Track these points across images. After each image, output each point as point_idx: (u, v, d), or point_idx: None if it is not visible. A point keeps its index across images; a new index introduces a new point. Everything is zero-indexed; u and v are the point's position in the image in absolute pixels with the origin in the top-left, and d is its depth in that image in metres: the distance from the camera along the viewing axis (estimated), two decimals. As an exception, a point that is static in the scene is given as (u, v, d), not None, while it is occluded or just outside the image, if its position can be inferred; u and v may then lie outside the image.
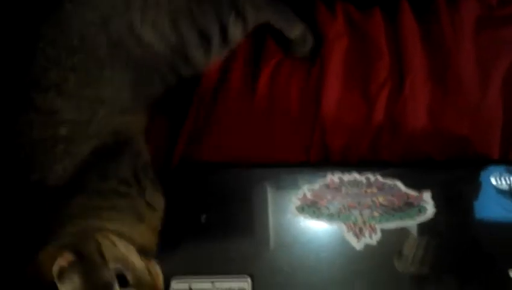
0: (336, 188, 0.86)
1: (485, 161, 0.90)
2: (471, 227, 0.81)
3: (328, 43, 1.00)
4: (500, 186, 0.85)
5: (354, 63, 1.00)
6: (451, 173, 0.87)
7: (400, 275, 0.75)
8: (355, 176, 0.87)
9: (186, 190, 0.83)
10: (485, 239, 0.78)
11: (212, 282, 0.72)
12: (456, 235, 0.80)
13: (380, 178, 0.87)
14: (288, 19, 0.95)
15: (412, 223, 0.80)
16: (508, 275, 0.73)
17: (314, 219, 0.81)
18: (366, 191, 0.85)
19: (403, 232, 0.80)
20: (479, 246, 0.78)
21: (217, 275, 0.73)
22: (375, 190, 0.85)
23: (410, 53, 0.99)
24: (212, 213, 0.81)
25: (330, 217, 0.81)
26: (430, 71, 0.98)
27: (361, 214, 0.82)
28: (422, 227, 0.80)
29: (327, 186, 0.86)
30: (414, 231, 0.80)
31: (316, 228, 0.80)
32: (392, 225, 0.80)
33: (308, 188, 0.86)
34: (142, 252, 0.68)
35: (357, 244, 0.78)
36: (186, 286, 0.72)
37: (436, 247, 0.78)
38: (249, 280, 0.72)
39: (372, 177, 0.87)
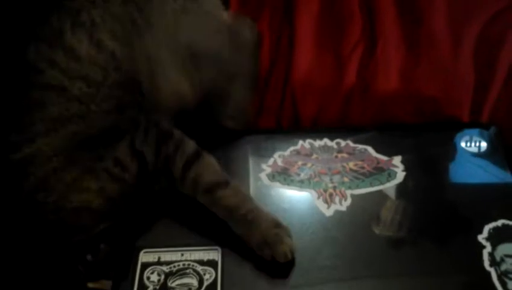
0: (307, 155, 0.86)
1: (456, 125, 0.90)
2: (442, 190, 0.81)
3: (299, 5, 0.97)
4: (471, 150, 0.85)
5: (325, 25, 0.98)
6: (421, 137, 0.87)
7: (370, 240, 0.75)
8: (326, 141, 0.87)
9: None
10: (455, 202, 0.79)
11: (182, 253, 0.72)
12: (427, 198, 0.80)
13: (350, 143, 0.87)
14: None
15: (381, 187, 0.81)
16: (476, 239, 0.74)
17: (285, 186, 0.81)
18: (336, 157, 0.85)
19: (373, 197, 0.80)
20: (449, 209, 0.79)
21: (187, 246, 0.73)
22: (345, 155, 0.85)
23: (383, 14, 0.97)
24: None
25: (301, 184, 0.81)
26: (402, 33, 0.97)
27: (331, 180, 0.82)
28: (395, 191, 0.81)
29: (298, 152, 0.86)
30: (386, 195, 0.80)
31: (287, 195, 0.80)
32: (362, 190, 0.81)
33: (279, 155, 0.85)
34: None
35: (327, 211, 0.78)
36: (155, 257, 0.71)
37: (406, 210, 0.78)
38: (219, 250, 0.72)
39: (343, 142, 0.87)
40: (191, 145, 0.76)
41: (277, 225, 0.72)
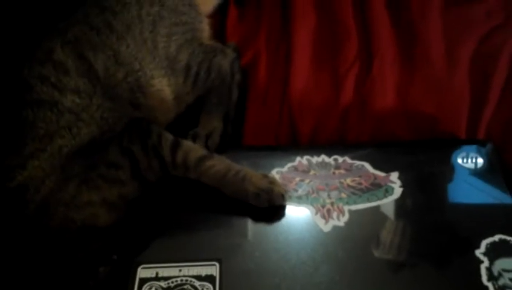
0: (305, 171, 0.86)
1: (452, 141, 0.91)
2: (439, 206, 0.81)
3: (295, 22, 0.99)
4: (467, 166, 0.86)
5: (322, 43, 1.00)
6: (418, 154, 0.88)
7: (368, 256, 0.75)
8: (324, 157, 0.88)
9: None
10: (453, 218, 0.79)
11: (180, 269, 0.72)
12: (424, 214, 0.80)
13: (348, 160, 0.87)
14: None
15: (379, 203, 0.81)
16: (474, 255, 0.74)
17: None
18: (334, 173, 0.85)
19: (371, 212, 0.80)
20: (446, 225, 0.79)
21: (184, 262, 0.72)
22: (343, 171, 0.86)
23: (378, 32, 0.98)
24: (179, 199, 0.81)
25: (299, 200, 0.82)
26: (398, 50, 0.98)
27: (329, 196, 0.82)
28: (393, 207, 0.81)
29: (296, 168, 0.86)
30: (384, 211, 0.80)
31: (285, 211, 0.80)
32: (360, 205, 0.81)
33: (276, 171, 0.86)
34: None
35: (325, 227, 0.78)
36: (153, 272, 0.71)
37: (404, 228, 0.78)
38: (216, 265, 0.72)
39: (340, 158, 0.87)
40: (169, 134, 0.82)
41: (265, 175, 0.81)
